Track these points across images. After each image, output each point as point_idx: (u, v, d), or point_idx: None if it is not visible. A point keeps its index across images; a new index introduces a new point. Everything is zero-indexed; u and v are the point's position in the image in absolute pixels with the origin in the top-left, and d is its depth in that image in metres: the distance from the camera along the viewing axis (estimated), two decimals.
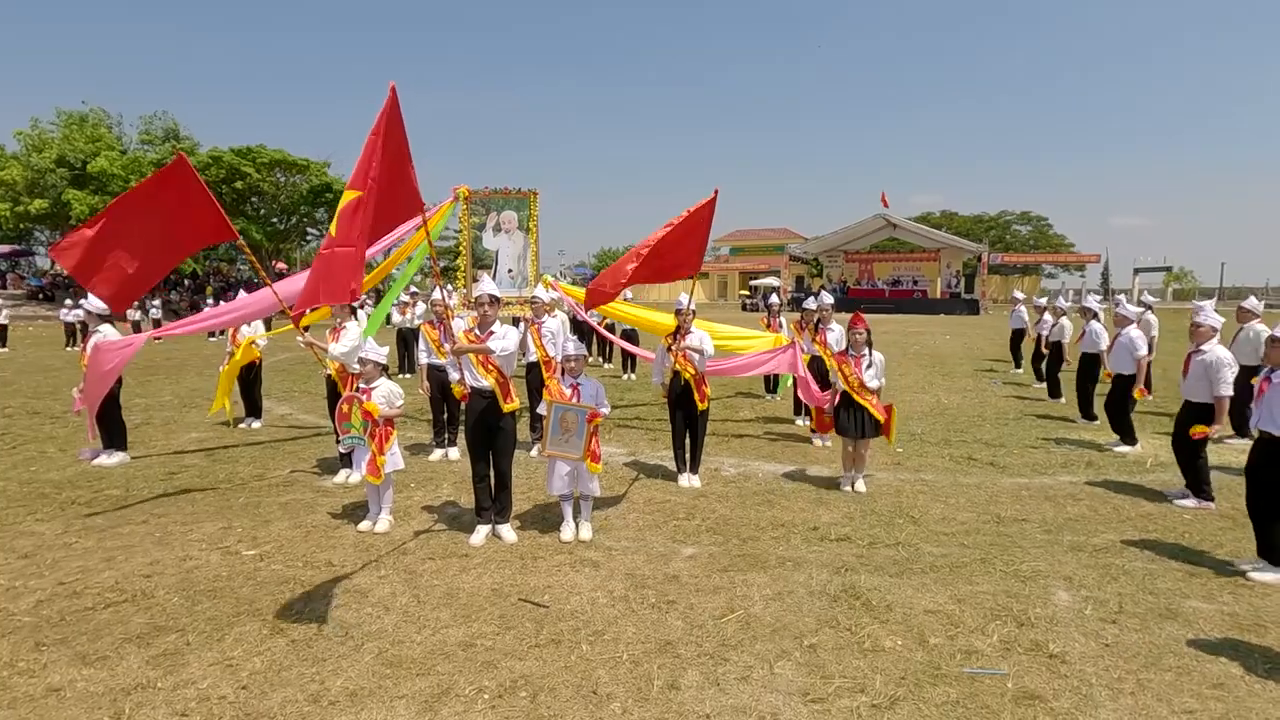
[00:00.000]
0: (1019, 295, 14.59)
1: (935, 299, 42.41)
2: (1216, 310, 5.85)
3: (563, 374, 5.03)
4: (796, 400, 8.83)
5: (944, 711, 2.96)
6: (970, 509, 5.59)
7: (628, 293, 9.34)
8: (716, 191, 5.91)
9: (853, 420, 5.98)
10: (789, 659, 3.36)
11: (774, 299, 10.49)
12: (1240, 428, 7.63)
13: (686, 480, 6.24)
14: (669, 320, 7.05)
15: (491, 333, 4.80)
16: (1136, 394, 7.31)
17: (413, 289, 14.20)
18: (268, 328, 10.79)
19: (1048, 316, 11.71)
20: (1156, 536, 4.99)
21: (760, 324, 9.82)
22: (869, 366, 5.95)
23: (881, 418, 5.91)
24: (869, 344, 6.03)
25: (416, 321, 11.66)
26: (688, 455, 6.32)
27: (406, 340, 12.73)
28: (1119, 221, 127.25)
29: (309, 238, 46.24)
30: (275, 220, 41.83)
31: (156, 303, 27.49)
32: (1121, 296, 12.98)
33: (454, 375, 4.75)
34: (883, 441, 6.19)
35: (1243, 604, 3.94)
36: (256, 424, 8.74)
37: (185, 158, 5.08)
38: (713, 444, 7.41)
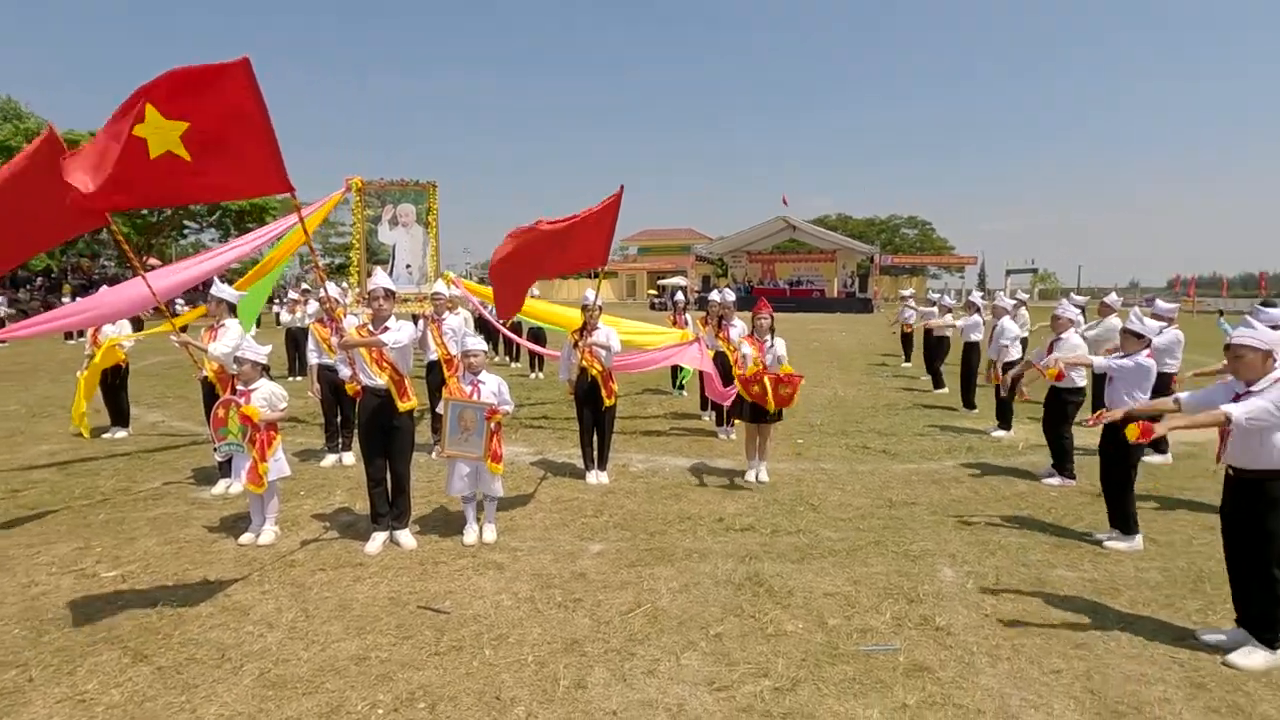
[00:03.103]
0: (906, 293, 15.47)
1: (832, 298, 44.42)
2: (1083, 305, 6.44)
3: (463, 371, 4.86)
4: (703, 396, 8.96)
5: (841, 689, 3.06)
6: (865, 495, 5.85)
7: (534, 289, 9.16)
8: (622, 188, 5.94)
9: (755, 406, 6.10)
10: (695, 649, 3.38)
11: (679, 296, 10.65)
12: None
13: (595, 477, 6.18)
14: (576, 317, 6.97)
15: (386, 328, 4.56)
16: (992, 377, 7.83)
17: (304, 286, 13.37)
18: (138, 327, 9.82)
19: (934, 310, 12.53)
20: (1028, 513, 5.41)
21: (667, 321, 9.92)
22: (771, 348, 6.12)
23: (773, 407, 6.05)
24: (772, 330, 6.19)
25: (306, 320, 10.96)
26: (595, 452, 6.27)
27: (297, 340, 11.94)
28: (988, 227, 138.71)
29: (186, 231, 42.51)
30: (145, 212, 37.16)
31: (2, 299, 24.52)
32: (1000, 292, 14.11)
33: (344, 372, 4.49)
34: (785, 433, 6.37)
35: (1100, 570, 4.33)
36: (122, 434, 7.93)
37: (55, 130, 4.52)
38: (621, 440, 7.40)
